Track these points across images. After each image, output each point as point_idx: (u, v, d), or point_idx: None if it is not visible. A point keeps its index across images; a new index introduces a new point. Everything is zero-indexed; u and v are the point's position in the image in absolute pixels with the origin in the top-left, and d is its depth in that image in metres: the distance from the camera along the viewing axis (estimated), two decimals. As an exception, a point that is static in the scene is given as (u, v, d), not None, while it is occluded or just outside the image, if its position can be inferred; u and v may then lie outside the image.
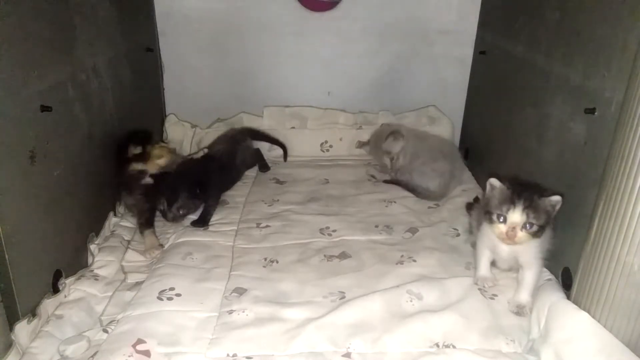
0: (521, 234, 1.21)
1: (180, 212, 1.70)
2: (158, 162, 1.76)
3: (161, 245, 1.62)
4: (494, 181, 1.28)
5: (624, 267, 1.04)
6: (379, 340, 1.20)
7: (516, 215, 1.21)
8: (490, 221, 1.26)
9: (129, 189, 1.73)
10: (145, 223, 1.68)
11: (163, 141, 2.01)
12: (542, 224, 1.21)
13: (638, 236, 1.01)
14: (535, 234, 1.22)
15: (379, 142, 2.13)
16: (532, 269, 1.29)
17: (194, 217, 1.76)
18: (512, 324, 1.26)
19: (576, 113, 1.34)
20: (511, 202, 1.21)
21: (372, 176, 2.13)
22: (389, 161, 2.11)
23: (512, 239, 1.22)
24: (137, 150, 1.77)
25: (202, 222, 1.72)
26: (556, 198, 1.21)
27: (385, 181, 2.07)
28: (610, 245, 1.06)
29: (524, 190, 1.22)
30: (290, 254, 1.56)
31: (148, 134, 1.89)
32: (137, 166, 1.73)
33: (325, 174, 2.15)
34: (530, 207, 1.20)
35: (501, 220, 1.23)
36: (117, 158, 1.75)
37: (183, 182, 1.73)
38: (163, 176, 1.75)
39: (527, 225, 1.21)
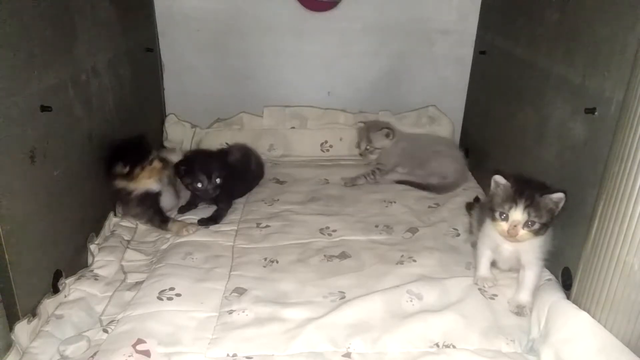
0: (523, 232, 1.22)
1: (218, 181, 1.75)
2: (146, 181, 1.68)
3: (191, 224, 1.70)
4: (498, 178, 1.28)
5: (624, 267, 1.04)
6: (379, 340, 1.20)
7: (517, 214, 1.21)
8: (493, 218, 1.26)
9: (123, 203, 1.72)
10: (163, 221, 1.70)
11: (160, 156, 1.75)
12: (545, 222, 1.22)
13: (638, 236, 1.01)
14: (537, 232, 1.23)
15: (371, 128, 2.18)
16: (533, 270, 1.30)
17: (202, 215, 1.78)
18: (512, 324, 1.26)
19: (576, 113, 1.34)
20: (513, 200, 1.22)
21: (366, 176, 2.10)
22: (364, 148, 2.17)
23: (514, 237, 1.23)
24: (124, 170, 1.63)
25: (213, 221, 1.74)
26: (559, 195, 1.21)
27: (398, 181, 2.06)
28: (611, 245, 1.06)
29: (527, 189, 1.23)
30: (290, 254, 1.56)
31: (141, 151, 1.68)
32: (123, 184, 1.66)
33: (325, 173, 2.15)
34: (531, 205, 1.20)
35: (503, 217, 1.24)
36: (105, 170, 1.64)
37: (210, 159, 1.79)
38: (187, 163, 1.77)
39: (529, 224, 1.21)
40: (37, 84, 1.25)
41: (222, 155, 1.83)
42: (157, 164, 1.70)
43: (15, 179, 1.16)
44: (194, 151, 1.92)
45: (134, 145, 1.68)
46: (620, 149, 1.04)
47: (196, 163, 1.76)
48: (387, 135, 2.14)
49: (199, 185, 1.74)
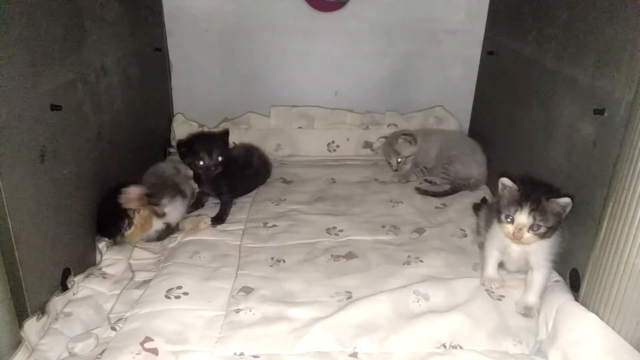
0: (528, 235, 1.22)
1: (220, 158, 1.78)
2: (146, 227, 1.62)
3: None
4: (505, 180, 1.28)
5: (633, 269, 1.03)
6: (385, 340, 1.20)
7: (523, 217, 1.21)
8: (499, 220, 1.27)
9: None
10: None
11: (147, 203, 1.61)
12: (551, 226, 1.21)
13: (647, 238, 1.00)
14: (544, 235, 1.22)
15: (393, 142, 2.15)
16: (541, 271, 1.29)
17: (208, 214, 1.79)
18: (520, 325, 1.25)
19: (585, 114, 1.33)
20: (518, 204, 1.22)
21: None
22: (395, 162, 2.13)
23: (519, 239, 1.23)
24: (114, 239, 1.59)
25: (219, 220, 1.75)
26: (565, 200, 1.21)
27: (417, 190, 2.01)
28: (619, 247, 1.05)
29: (533, 192, 1.22)
30: (297, 253, 1.56)
31: (115, 216, 1.56)
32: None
33: (332, 173, 2.15)
34: (537, 209, 1.20)
35: (509, 220, 1.24)
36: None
37: (210, 137, 1.84)
38: (191, 142, 1.79)
39: (534, 227, 1.21)
40: (47, 83, 1.26)
41: (222, 135, 1.85)
42: (142, 213, 1.58)
43: (25, 177, 1.17)
44: (194, 133, 1.92)
45: (109, 213, 1.56)
46: (630, 150, 1.03)
47: (196, 142, 1.78)
48: (409, 142, 2.11)
49: (201, 162, 1.76)
